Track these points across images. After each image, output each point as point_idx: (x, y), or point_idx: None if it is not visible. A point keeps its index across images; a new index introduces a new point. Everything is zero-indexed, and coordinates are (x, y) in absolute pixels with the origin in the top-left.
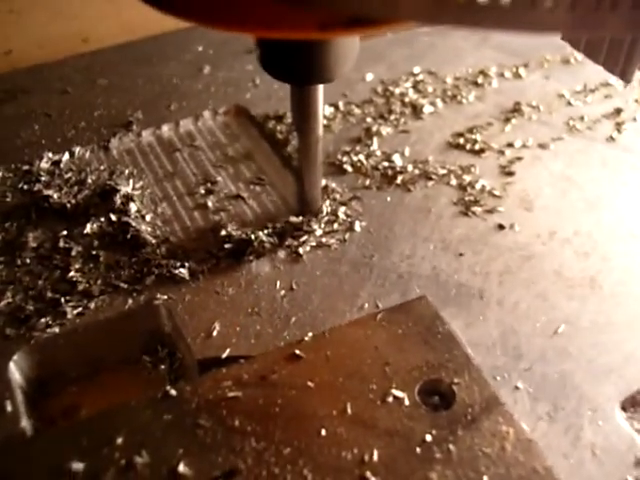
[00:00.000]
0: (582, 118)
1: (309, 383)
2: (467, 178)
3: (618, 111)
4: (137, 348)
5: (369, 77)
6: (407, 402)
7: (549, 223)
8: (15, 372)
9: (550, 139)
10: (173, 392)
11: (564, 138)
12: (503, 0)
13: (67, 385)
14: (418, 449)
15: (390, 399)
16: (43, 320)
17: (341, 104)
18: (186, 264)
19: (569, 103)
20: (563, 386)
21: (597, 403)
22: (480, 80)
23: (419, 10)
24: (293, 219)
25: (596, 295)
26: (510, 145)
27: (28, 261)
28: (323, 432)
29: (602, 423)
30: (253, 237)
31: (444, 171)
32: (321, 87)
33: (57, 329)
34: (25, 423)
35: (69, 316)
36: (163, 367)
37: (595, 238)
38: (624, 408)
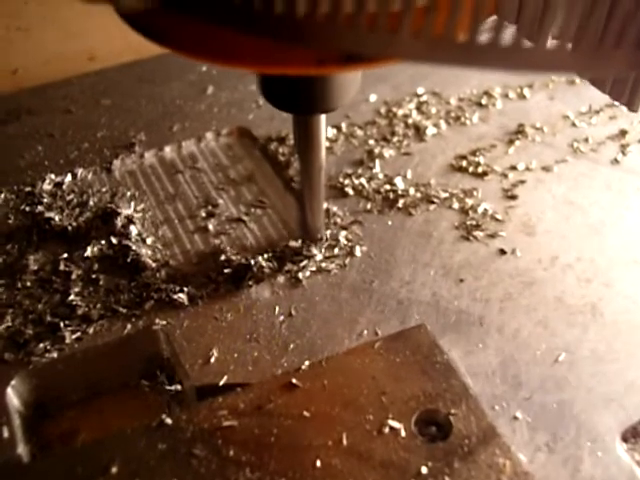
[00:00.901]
0: (586, 140)
1: (305, 413)
2: (469, 202)
3: (623, 133)
4: (136, 373)
5: (372, 98)
6: (403, 433)
7: (551, 248)
8: (13, 397)
9: (554, 161)
10: (169, 421)
11: (568, 160)
12: (504, 40)
13: (66, 409)
14: None
15: (386, 430)
16: (42, 345)
17: (344, 125)
18: (185, 289)
19: (574, 124)
20: (562, 416)
21: (597, 434)
22: (484, 101)
23: (416, 50)
24: (293, 243)
25: (597, 323)
26: (513, 168)
27: (28, 284)
28: (318, 463)
29: (602, 454)
30: (252, 262)
31: (446, 194)
32: (323, 116)
33: (55, 354)
34: (22, 449)
35: (67, 341)
36: (162, 393)
37: (598, 264)
38: (625, 439)
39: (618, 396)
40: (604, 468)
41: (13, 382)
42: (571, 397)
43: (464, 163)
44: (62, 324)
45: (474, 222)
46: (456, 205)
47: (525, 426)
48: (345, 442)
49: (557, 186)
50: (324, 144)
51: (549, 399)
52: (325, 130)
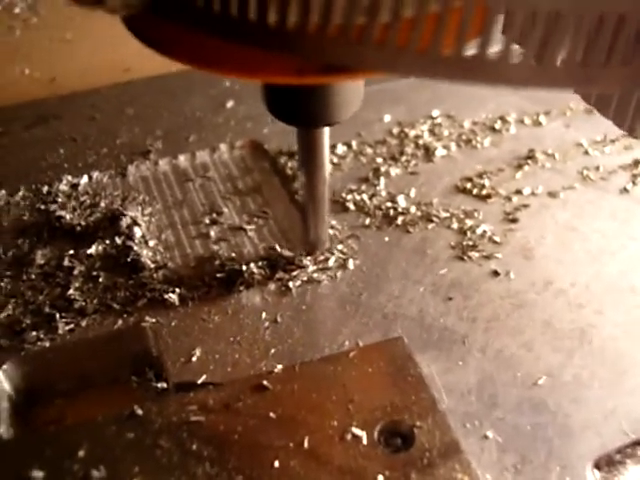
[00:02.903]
0: (597, 168)
1: (271, 414)
2: (469, 222)
3: (636, 163)
4: (126, 368)
5: (387, 118)
6: (365, 441)
7: (546, 273)
8: (4, 381)
9: (561, 188)
10: (140, 411)
11: (576, 187)
12: (490, 54)
13: (55, 398)
14: None
15: (349, 437)
16: (34, 333)
17: (354, 143)
18: (177, 290)
19: (586, 152)
20: (535, 439)
21: (568, 459)
22: (498, 125)
23: (402, 64)
24: (286, 253)
25: (584, 349)
26: (518, 192)
27: (33, 277)
28: (277, 463)
29: None
30: (245, 268)
31: (446, 214)
32: (327, 129)
33: (47, 343)
34: (4, 429)
35: (60, 331)
36: (149, 389)
37: (592, 290)
38: (598, 467)
39: (596, 423)
40: None
41: (5, 366)
42: (546, 421)
43: (469, 185)
44: (58, 315)
45: (471, 242)
46: (455, 225)
47: (495, 446)
48: (306, 445)
49: (561, 212)
50: (327, 157)
51: (523, 421)
52: (328, 143)
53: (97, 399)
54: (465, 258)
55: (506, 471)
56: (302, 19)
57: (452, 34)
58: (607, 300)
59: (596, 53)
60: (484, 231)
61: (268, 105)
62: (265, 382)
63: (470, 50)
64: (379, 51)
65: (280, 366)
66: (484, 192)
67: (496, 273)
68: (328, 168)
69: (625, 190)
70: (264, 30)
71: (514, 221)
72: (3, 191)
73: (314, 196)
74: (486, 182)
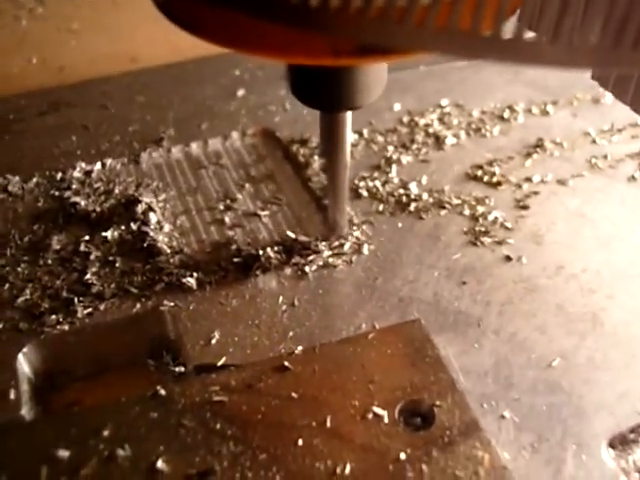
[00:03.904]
0: (605, 157)
1: (293, 394)
2: (480, 209)
3: None
4: (143, 351)
5: (397, 107)
6: (386, 420)
7: (557, 258)
8: (23, 363)
9: (570, 175)
10: (163, 392)
11: (584, 175)
12: (527, 35)
13: (73, 382)
14: (391, 466)
15: (370, 415)
16: (54, 317)
17: (365, 132)
18: (195, 274)
19: (594, 141)
20: (550, 418)
21: (583, 438)
22: (506, 115)
23: (440, 43)
24: (302, 238)
25: (596, 332)
26: (528, 179)
27: (50, 262)
28: (300, 442)
29: (586, 458)
30: (261, 253)
31: (458, 201)
32: (349, 114)
33: (67, 327)
34: (25, 411)
35: (79, 315)
36: (166, 373)
37: (603, 276)
38: (612, 445)
39: (609, 404)
40: (587, 471)
41: (25, 349)
42: (561, 401)
43: (479, 172)
44: (76, 300)
45: (483, 228)
46: (467, 212)
47: (512, 425)
48: (329, 424)
49: (571, 199)
50: (349, 142)
51: (539, 401)
52: (350, 128)
53: (115, 382)
54: (478, 243)
55: (524, 450)
56: (345, 1)
57: (491, 14)
58: (618, 285)
59: (626, 35)
60: (495, 217)
61: (292, 88)
62: (286, 363)
63: (508, 31)
64: (418, 31)
65: (300, 348)
66: (495, 179)
67: (508, 258)
68: (349, 153)
69: (633, 178)
70: (305, 11)
71: (525, 208)
72: (17, 177)
73: (335, 180)
74: (496, 170)
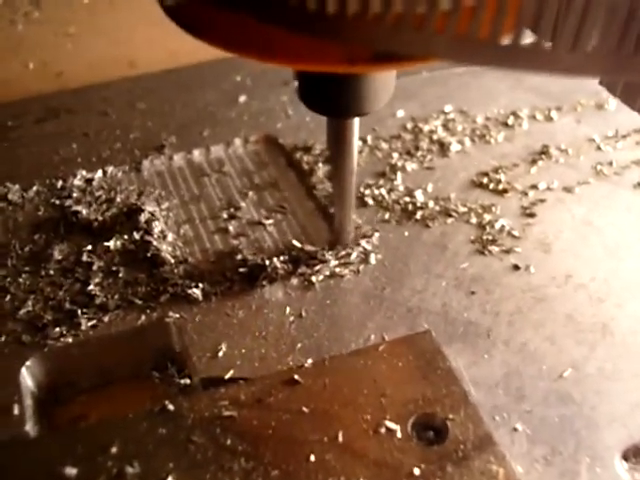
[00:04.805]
0: (611, 163)
1: (304, 409)
2: (487, 217)
3: None
4: (148, 364)
5: (400, 114)
6: (399, 434)
7: (566, 267)
8: (27, 377)
9: (576, 183)
10: (171, 407)
11: (590, 182)
12: (545, 44)
13: (77, 395)
14: None
15: (383, 430)
16: (57, 329)
17: (369, 138)
18: (200, 285)
19: (599, 148)
20: (563, 430)
21: (596, 450)
22: (510, 121)
23: (455, 51)
24: (309, 248)
25: (606, 342)
26: (534, 187)
27: (52, 272)
28: (312, 458)
29: (600, 471)
30: (267, 263)
31: (464, 209)
32: (357, 120)
33: (70, 339)
34: (29, 427)
35: (83, 327)
36: (171, 385)
37: (611, 284)
38: (626, 458)
39: (622, 415)
40: None
41: (28, 363)
42: (573, 413)
43: (485, 180)
44: (80, 311)
45: (490, 237)
46: (474, 220)
47: (524, 438)
48: (341, 439)
49: (577, 207)
50: (356, 148)
51: (551, 413)
52: (357, 135)
53: (120, 395)
54: (485, 252)
55: (537, 462)
56: (363, 8)
57: (510, 23)
58: (626, 294)
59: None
60: (503, 225)
61: (301, 94)
62: (296, 376)
63: (527, 39)
64: (436, 39)
65: (310, 360)
66: (500, 187)
67: (516, 267)
68: (356, 159)
69: (639, 185)
70: (322, 18)
71: (531, 215)
72: (17, 186)
73: (342, 186)
74: (502, 177)
